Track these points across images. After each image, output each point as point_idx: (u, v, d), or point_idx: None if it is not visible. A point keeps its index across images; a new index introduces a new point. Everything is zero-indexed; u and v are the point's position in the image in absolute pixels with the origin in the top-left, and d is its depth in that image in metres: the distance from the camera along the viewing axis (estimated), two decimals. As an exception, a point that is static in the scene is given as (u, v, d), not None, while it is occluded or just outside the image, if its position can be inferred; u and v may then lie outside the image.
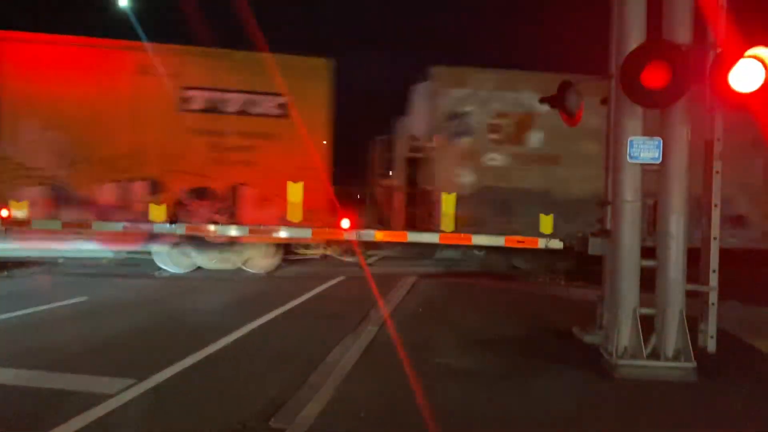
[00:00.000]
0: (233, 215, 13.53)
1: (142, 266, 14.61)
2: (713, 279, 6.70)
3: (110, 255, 15.99)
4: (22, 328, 7.96)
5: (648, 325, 6.21)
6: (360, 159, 17.37)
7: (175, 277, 13.62)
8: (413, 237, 13.61)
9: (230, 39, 14.10)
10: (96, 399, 5.08)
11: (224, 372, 6.16)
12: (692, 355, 6.00)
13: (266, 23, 13.71)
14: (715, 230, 6.72)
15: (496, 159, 13.61)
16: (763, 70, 5.56)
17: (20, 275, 13.38)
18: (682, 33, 6.07)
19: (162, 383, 5.65)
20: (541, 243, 12.82)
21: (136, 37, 14.57)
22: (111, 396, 5.18)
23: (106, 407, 4.95)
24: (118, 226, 13.71)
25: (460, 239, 13.45)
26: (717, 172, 6.67)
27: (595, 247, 6.96)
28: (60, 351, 6.71)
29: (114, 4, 19.37)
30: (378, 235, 13.70)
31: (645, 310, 6.22)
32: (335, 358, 6.48)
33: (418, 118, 14.58)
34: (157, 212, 13.31)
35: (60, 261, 14.84)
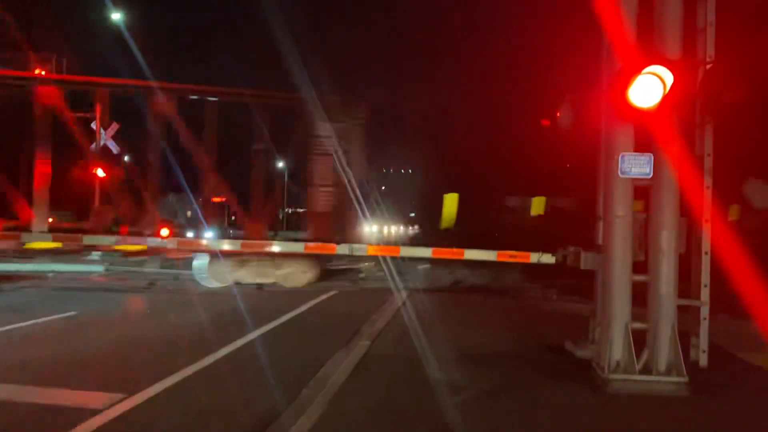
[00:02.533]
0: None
1: (131, 281, 14.54)
2: (704, 294, 6.71)
3: (101, 270, 15.95)
4: (11, 343, 7.88)
5: (640, 340, 6.21)
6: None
7: (165, 291, 13.54)
8: (406, 251, 13.63)
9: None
10: (84, 414, 5.01)
11: (215, 387, 6.10)
12: (684, 369, 5.99)
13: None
14: (706, 245, 6.74)
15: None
16: (748, 86, 5.63)
17: (9, 289, 13.27)
18: (672, 48, 6.13)
19: (151, 398, 5.58)
20: (534, 258, 12.83)
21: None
22: (99, 411, 5.12)
23: (95, 423, 4.88)
24: (110, 240, 13.68)
25: (453, 254, 13.46)
26: (708, 188, 6.71)
27: (587, 261, 6.97)
28: (49, 365, 6.64)
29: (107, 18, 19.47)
30: (370, 250, 13.71)
31: (637, 325, 6.22)
32: (327, 373, 6.43)
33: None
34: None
35: (49, 275, 14.75)
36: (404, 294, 13.10)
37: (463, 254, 13.39)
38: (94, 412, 5.08)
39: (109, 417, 5.03)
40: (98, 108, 23.39)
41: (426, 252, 13.49)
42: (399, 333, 8.93)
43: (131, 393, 5.59)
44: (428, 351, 7.69)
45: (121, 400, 5.41)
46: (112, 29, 19.79)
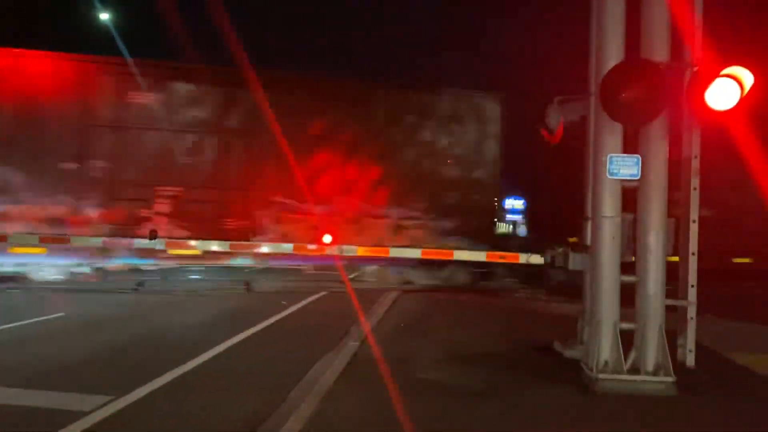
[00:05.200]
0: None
1: (119, 281, 14.44)
2: (692, 294, 6.77)
3: (87, 270, 15.79)
4: (-4, 345, 7.80)
5: (628, 340, 6.25)
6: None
7: (154, 293, 13.47)
8: (395, 252, 13.63)
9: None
10: (71, 417, 4.98)
11: (203, 389, 6.08)
12: (671, 369, 6.04)
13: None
14: (693, 246, 6.80)
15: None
16: (738, 89, 5.68)
17: (-5, 291, 13.13)
18: (659, 51, 6.18)
19: (139, 400, 5.55)
20: (522, 258, 12.89)
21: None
22: (86, 413, 5.08)
23: (81, 425, 4.85)
24: (97, 241, 13.59)
25: (442, 254, 13.49)
26: (695, 189, 6.77)
27: (575, 262, 7.00)
28: (36, 368, 6.58)
29: (95, 17, 19.35)
30: (360, 250, 13.71)
31: (625, 325, 6.25)
32: (316, 374, 6.42)
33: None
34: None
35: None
36: (394, 294, 13.11)
37: (452, 255, 13.43)
38: (82, 415, 5.05)
39: (96, 419, 5.01)
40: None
41: (415, 253, 13.51)
42: (388, 334, 8.94)
43: (119, 395, 5.56)
44: (417, 351, 7.71)
45: (108, 402, 5.37)
46: (102, 28, 19.65)
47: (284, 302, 12.04)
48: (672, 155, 6.37)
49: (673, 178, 6.38)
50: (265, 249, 13.85)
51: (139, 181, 13.92)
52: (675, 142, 6.60)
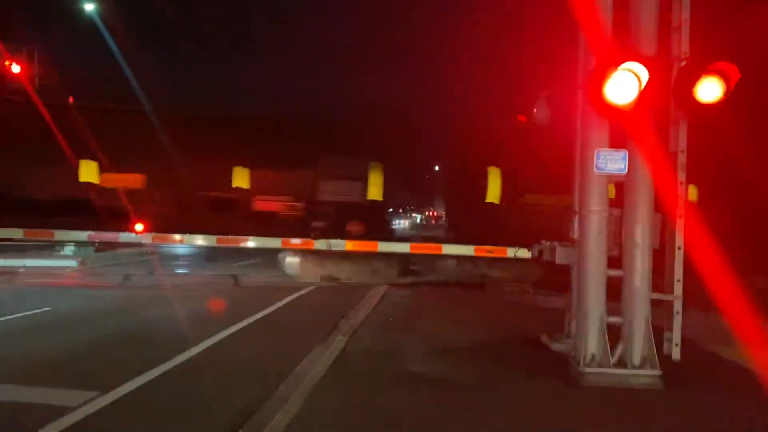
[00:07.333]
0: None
1: (106, 275, 14.37)
2: (677, 288, 6.81)
3: (74, 265, 15.72)
4: (-19, 340, 7.72)
5: (615, 334, 6.29)
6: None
7: (141, 287, 13.39)
8: (384, 247, 13.64)
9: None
10: (57, 412, 4.94)
11: (191, 383, 6.06)
12: (658, 362, 6.08)
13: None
14: (679, 240, 6.84)
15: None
16: (722, 83, 5.72)
17: (-21, 285, 13.00)
18: (647, 45, 6.20)
19: (126, 395, 5.52)
20: (510, 252, 12.93)
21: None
22: (72, 409, 5.05)
23: (67, 421, 4.81)
24: (83, 236, 13.51)
25: (430, 249, 13.51)
26: (681, 183, 6.80)
27: (562, 256, 7.03)
28: (20, 363, 6.53)
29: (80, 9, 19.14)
30: (349, 245, 13.71)
31: (612, 319, 6.29)
32: (305, 369, 6.41)
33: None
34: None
35: (20, 271, 14.49)
36: (383, 288, 13.13)
37: (441, 249, 13.45)
38: (68, 410, 5.01)
39: (82, 414, 4.97)
40: (71, 99, 22.98)
41: (404, 247, 13.52)
42: (377, 327, 8.94)
43: (106, 390, 5.52)
44: (405, 345, 7.72)
45: (96, 398, 5.34)
46: (86, 19, 19.41)
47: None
48: (659, 150, 6.40)
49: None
50: (251, 243, 13.82)
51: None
52: (662, 137, 6.63)
